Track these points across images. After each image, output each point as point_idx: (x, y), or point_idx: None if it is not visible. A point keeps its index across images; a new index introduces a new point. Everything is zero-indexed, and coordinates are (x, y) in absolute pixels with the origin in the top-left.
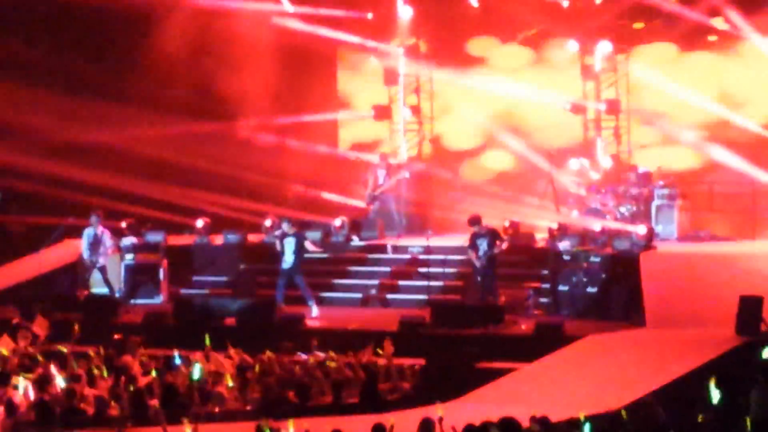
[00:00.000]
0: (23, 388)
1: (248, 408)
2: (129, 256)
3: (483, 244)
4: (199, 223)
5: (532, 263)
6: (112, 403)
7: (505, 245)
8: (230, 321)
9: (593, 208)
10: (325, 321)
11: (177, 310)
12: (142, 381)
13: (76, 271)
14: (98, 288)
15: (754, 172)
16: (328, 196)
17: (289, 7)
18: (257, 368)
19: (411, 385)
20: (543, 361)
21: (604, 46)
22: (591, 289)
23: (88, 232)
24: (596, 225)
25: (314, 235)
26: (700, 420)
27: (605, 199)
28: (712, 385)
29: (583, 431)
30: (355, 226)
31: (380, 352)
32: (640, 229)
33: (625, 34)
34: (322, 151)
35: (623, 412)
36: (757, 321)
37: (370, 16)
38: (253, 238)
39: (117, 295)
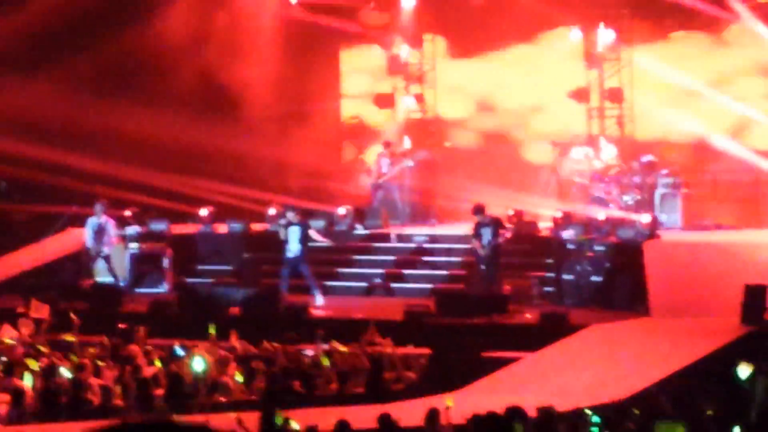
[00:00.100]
0: (29, 378)
1: (253, 398)
2: (133, 245)
3: (487, 234)
4: (203, 212)
5: (536, 252)
6: (118, 393)
7: (508, 234)
8: (235, 310)
9: (597, 197)
10: (329, 310)
11: (181, 299)
12: (148, 371)
13: (80, 261)
14: (102, 277)
15: (757, 161)
16: (332, 185)
17: None
18: (262, 358)
19: (416, 375)
20: (547, 350)
21: (607, 35)
22: (595, 278)
23: (92, 221)
24: (600, 214)
25: (318, 224)
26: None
27: (609, 188)
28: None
29: (590, 421)
30: (359, 215)
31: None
32: (644, 218)
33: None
34: (326, 140)
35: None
36: (762, 310)
37: (372, 5)
38: (257, 227)
39: (121, 284)
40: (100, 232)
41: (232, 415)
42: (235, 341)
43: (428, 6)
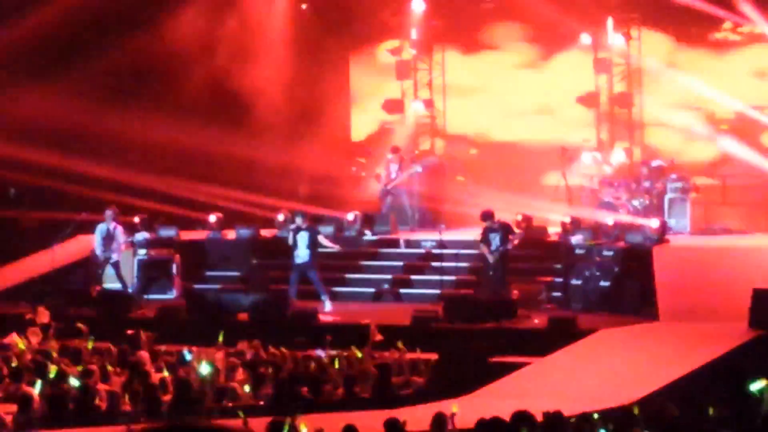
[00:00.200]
0: (38, 384)
1: (261, 403)
2: (142, 252)
3: (496, 239)
4: (212, 218)
5: (544, 257)
6: (126, 398)
7: (517, 240)
8: (243, 316)
9: (606, 201)
10: (338, 316)
11: (190, 305)
12: (156, 377)
13: (89, 267)
14: (111, 283)
15: (765, 164)
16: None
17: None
18: (270, 364)
19: (424, 380)
20: (556, 355)
21: (617, 39)
22: (604, 283)
23: (101, 228)
24: (609, 219)
25: (327, 229)
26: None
27: (618, 193)
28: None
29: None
30: (368, 221)
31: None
32: (653, 223)
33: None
34: (335, 146)
35: (635, 408)
36: None
37: (383, 10)
38: (265, 232)
39: (130, 290)
40: (108, 239)
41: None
42: (250, 347)
43: (438, 11)
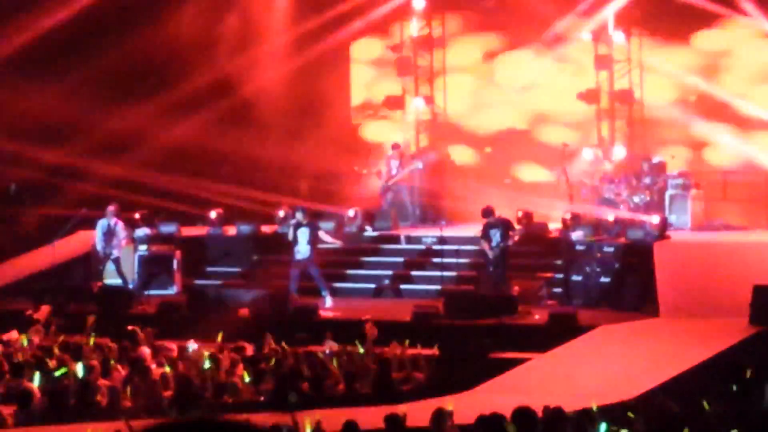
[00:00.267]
0: (38, 379)
1: (261, 399)
2: (142, 247)
3: (496, 235)
4: (213, 213)
5: (545, 253)
6: (126, 394)
7: (517, 236)
8: (243, 312)
9: (607, 198)
10: (338, 312)
11: (191, 301)
12: (156, 372)
13: (90, 263)
14: (112, 279)
15: (765, 160)
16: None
17: None
18: (272, 360)
19: (424, 376)
20: (556, 351)
21: (617, 36)
22: (604, 279)
23: (102, 223)
24: (610, 215)
25: (327, 225)
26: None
27: (619, 189)
28: None
29: (598, 430)
30: (369, 217)
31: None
32: (654, 219)
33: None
34: (335, 142)
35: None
36: None
37: (384, 6)
38: (266, 228)
39: (130, 286)
40: (109, 234)
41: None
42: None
43: (439, 8)
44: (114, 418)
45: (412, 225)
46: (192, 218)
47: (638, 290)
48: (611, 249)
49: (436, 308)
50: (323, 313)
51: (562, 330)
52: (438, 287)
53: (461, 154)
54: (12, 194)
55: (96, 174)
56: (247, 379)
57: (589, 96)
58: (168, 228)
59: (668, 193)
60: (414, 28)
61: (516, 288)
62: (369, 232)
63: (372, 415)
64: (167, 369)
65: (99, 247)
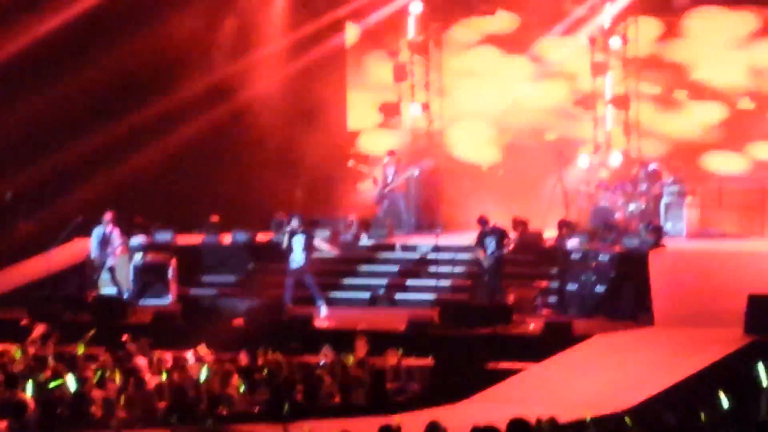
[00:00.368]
0: (32, 389)
1: (256, 410)
2: (138, 256)
3: (491, 244)
4: (208, 222)
5: (540, 262)
6: (121, 405)
7: (512, 245)
8: (238, 321)
9: (602, 205)
10: (333, 321)
11: (186, 311)
12: (151, 383)
13: (85, 272)
14: (107, 288)
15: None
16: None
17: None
18: (265, 370)
19: (419, 386)
20: (551, 361)
21: (614, 42)
22: (599, 288)
23: (97, 231)
24: (605, 223)
25: (323, 233)
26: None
27: (614, 197)
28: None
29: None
30: (364, 225)
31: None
32: (649, 227)
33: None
34: (332, 149)
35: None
36: (766, 320)
37: (380, 11)
38: (262, 237)
39: (125, 295)
40: (105, 242)
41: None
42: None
43: (436, 13)
44: (109, 428)
45: (407, 233)
46: (187, 226)
47: (633, 299)
48: (606, 257)
49: (431, 317)
50: (318, 323)
51: (557, 339)
52: (433, 296)
53: (456, 161)
54: (7, 202)
55: (92, 181)
56: (242, 389)
57: (586, 102)
58: (163, 236)
59: (664, 200)
60: (411, 34)
61: (511, 297)
62: (364, 240)
63: (366, 426)
64: (163, 378)
65: (94, 254)
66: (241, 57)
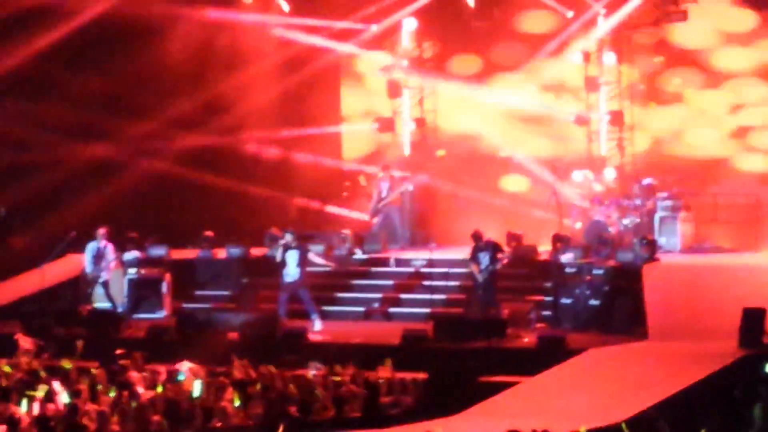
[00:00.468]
0: (26, 404)
1: (251, 423)
2: (132, 270)
3: (485, 258)
4: (203, 236)
5: (534, 276)
6: (115, 418)
7: (506, 259)
8: (233, 335)
9: (596, 220)
10: (327, 335)
11: (180, 325)
12: (145, 396)
13: (79, 286)
14: (101, 303)
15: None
16: (331, 209)
17: (292, 20)
18: (259, 383)
19: (413, 399)
20: (546, 374)
21: (609, 58)
22: (594, 302)
23: (91, 246)
24: (599, 237)
25: (317, 248)
26: None
27: (609, 211)
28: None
29: None
30: (359, 239)
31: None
32: (643, 242)
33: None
34: (326, 164)
35: (625, 426)
36: (761, 333)
37: (374, 27)
38: (256, 251)
39: (120, 309)
40: (99, 257)
41: None
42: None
43: (430, 30)
44: None
45: (401, 247)
46: (182, 241)
47: (628, 313)
48: (601, 271)
49: (425, 331)
50: (312, 337)
51: (551, 353)
52: (427, 310)
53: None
54: (1, 217)
55: (86, 196)
56: (237, 403)
57: (580, 118)
58: (157, 251)
59: (658, 215)
60: (405, 49)
61: (505, 311)
62: (359, 254)
63: None
64: (159, 389)
65: (88, 269)
66: (235, 72)
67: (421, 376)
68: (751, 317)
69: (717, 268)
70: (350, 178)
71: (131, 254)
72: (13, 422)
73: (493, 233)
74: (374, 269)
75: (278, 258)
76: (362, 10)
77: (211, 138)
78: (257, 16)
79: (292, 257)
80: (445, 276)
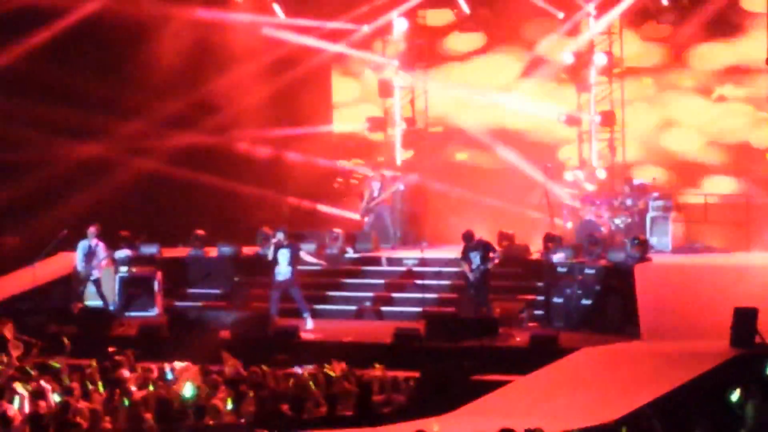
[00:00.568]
0: (17, 401)
1: (243, 421)
2: (123, 269)
3: (476, 258)
4: (194, 235)
5: (526, 275)
6: (107, 416)
7: (497, 259)
8: (224, 334)
9: (588, 220)
10: (319, 333)
11: (171, 323)
12: (137, 394)
13: (71, 284)
14: (92, 301)
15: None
16: (323, 208)
17: (284, 20)
18: (251, 382)
19: (405, 398)
20: (538, 373)
21: (599, 58)
22: (585, 302)
23: (82, 244)
24: (591, 237)
25: (309, 247)
26: None
27: (600, 211)
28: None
29: None
30: (350, 239)
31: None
32: (635, 242)
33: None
34: (318, 164)
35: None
36: (752, 333)
37: (365, 28)
38: (247, 250)
39: (111, 307)
40: (90, 255)
41: None
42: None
43: (420, 30)
44: None
45: (393, 247)
46: (173, 239)
47: (619, 312)
48: (592, 271)
49: (417, 330)
50: (304, 335)
51: (543, 352)
52: (419, 309)
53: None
54: None
55: (77, 195)
56: (229, 402)
57: (571, 118)
58: (149, 249)
59: (649, 215)
60: (396, 49)
61: (497, 310)
62: (350, 253)
63: None
64: (151, 388)
65: (80, 267)
66: (227, 71)
67: (414, 374)
68: (743, 317)
69: (708, 268)
70: (342, 177)
71: (123, 252)
72: (5, 420)
73: (484, 233)
74: (366, 268)
75: (270, 256)
76: (354, 11)
77: (203, 137)
78: (249, 16)
79: (284, 256)
80: (437, 275)
